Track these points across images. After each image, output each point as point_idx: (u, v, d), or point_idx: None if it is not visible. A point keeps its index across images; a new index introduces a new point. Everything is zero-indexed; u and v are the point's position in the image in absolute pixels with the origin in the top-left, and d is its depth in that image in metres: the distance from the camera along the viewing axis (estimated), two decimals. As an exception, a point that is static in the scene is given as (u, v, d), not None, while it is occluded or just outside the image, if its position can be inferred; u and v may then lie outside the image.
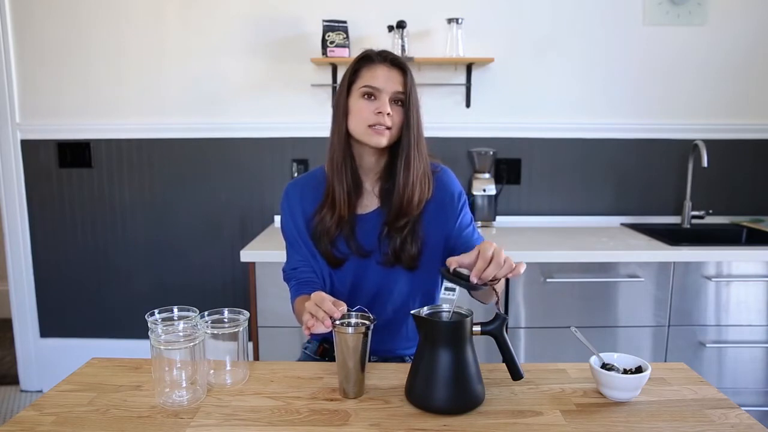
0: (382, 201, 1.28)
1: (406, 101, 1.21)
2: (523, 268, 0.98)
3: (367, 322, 1.02)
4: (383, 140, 1.21)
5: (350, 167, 1.26)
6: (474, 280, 0.96)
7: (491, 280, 0.97)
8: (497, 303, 1.07)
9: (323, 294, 1.03)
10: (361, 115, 1.20)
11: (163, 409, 0.98)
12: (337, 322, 1.01)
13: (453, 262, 0.99)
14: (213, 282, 2.61)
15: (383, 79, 1.20)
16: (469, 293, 1.08)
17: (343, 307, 1.01)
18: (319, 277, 1.30)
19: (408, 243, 1.25)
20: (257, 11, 2.43)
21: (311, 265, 1.30)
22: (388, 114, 1.19)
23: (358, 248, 1.27)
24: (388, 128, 1.20)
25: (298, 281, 1.30)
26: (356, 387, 1.03)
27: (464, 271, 0.98)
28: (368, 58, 1.22)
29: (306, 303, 1.04)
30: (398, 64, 1.22)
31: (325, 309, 1.00)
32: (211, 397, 1.03)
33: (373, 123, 1.19)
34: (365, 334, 1.00)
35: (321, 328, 1.01)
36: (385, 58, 1.22)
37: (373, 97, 1.20)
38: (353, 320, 1.03)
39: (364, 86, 1.20)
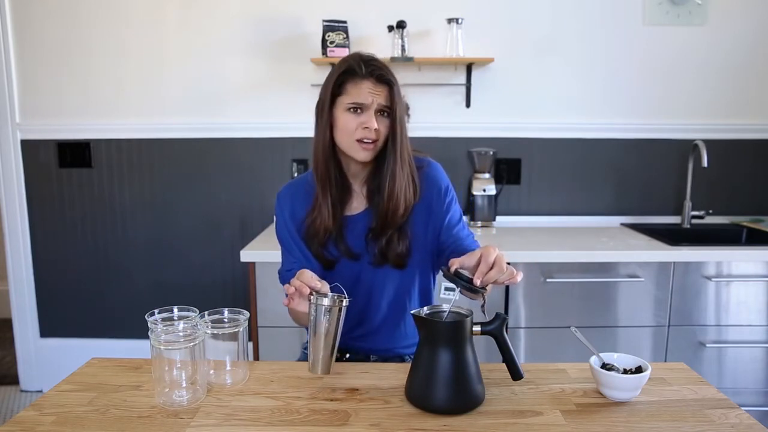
0: (370, 202, 1.29)
1: (391, 114, 1.21)
2: (520, 277, 1.02)
3: (342, 301, 1.05)
4: (369, 155, 1.21)
5: (336, 175, 1.26)
6: (477, 282, 0.98)
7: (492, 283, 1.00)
8: (483, 306, 1.08)
9: (306, 270, 1.08)
10: (348, 129, 1.19)
11: (163, 409, 0.98)
12: (314, 295, 1.04)
13: (455, 263, 1.01)
14: (213, 282, 2.61)
15: (369, 95, 1.18)
16: (461, 292, 1.08)
17: (325, 285, 1.06)
18: None
19: (394, 242, 1.25)
20: (257, 11, 2.43)
21: (304, 265, 1.30)
22: (375, 129, 1.18)
23: (347, 250, 1.28)
24: (375, 141, 1.20)
25: None
26: (324, 363, 1.06)
27: (465, 273, 1.00)
28: (352, 72, 1.19)
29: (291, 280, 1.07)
30: (384, 80, 1.19)
31: (303, 280, 1.05)
32: (211, 397, 1.03)
33: (359, 137, 1.19)
34: (340, 310, 1.04)
35: (301, 304, 1.06)
36: (371, 72, 1.19)
37: (359, 111, 1.19)
38: (328, 296, 1.06)
39: (350, 103, 1.19)
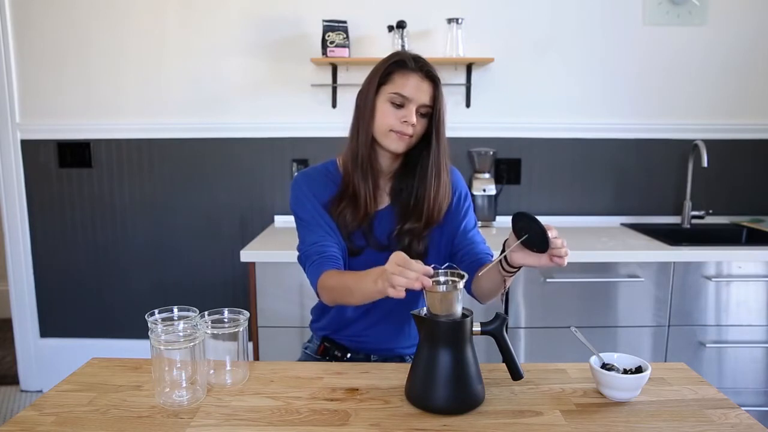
0: (393, 199, 1.31)
1: (433, 114, 1.23)
2: (566, 261, 1.02)
3: (456, 279, 0.98)
4: (402, 147, 1.22)
5: (369, 165, 1.26)
6: (550, 234, 0.99)
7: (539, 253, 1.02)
8: (503, 294, 1.09)
9: (402, 254, 0.98)
10: (385, 119, 1.21)
11: (163, 409, 0.98)
12: (431, 281, 0.95)
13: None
14: (213, 282, 2.61)
15: (414, 89, 1.20)
16: (473, 287, 1.08)
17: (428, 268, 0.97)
18: (340, 254, 1.26)
19: (415, 242, 1.27)
20: (257, 11, 2.43)
21: (333, 239, 1.26)
22: (413, 125, 1.20)
23: (376, 243, 1.27)
24: (410, 136, 1.21)
25: (322, 256, 1.23)
26: None
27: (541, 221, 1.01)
28: (402, 64, 1.21)
29: (386, 267, 0.98)
30: (431, 76, 1.22)
31: (415, 269, 0.94)
32: (211, 397, 1.03)
33: (397, 129, 1.20)
34: (457, 289, 0.97)
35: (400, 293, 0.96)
36: (420, 68, 1.21)
37: (400, 105, 1.20)
38: (442, 279, 0.98)
39: (395, 93, 1.20)
